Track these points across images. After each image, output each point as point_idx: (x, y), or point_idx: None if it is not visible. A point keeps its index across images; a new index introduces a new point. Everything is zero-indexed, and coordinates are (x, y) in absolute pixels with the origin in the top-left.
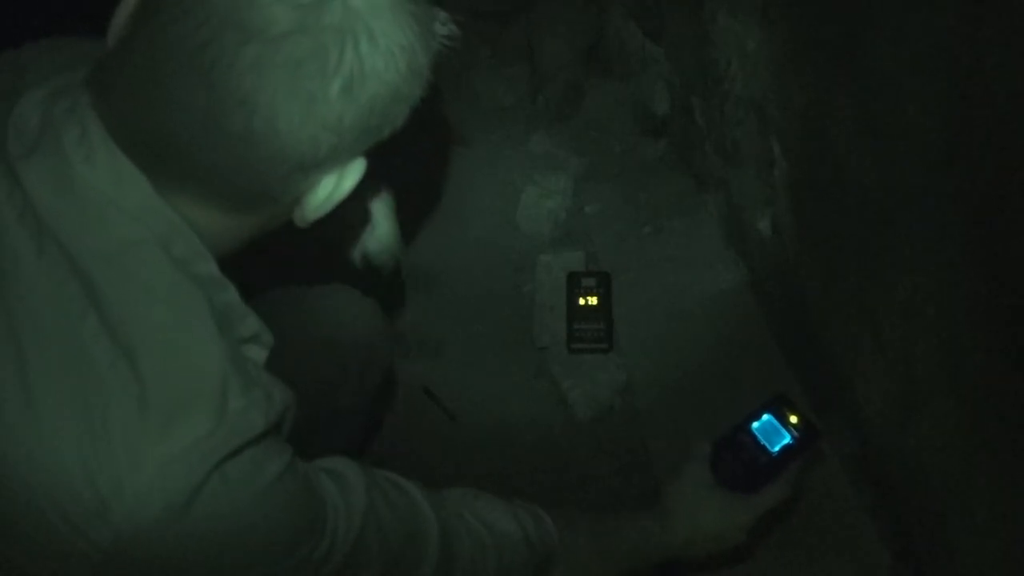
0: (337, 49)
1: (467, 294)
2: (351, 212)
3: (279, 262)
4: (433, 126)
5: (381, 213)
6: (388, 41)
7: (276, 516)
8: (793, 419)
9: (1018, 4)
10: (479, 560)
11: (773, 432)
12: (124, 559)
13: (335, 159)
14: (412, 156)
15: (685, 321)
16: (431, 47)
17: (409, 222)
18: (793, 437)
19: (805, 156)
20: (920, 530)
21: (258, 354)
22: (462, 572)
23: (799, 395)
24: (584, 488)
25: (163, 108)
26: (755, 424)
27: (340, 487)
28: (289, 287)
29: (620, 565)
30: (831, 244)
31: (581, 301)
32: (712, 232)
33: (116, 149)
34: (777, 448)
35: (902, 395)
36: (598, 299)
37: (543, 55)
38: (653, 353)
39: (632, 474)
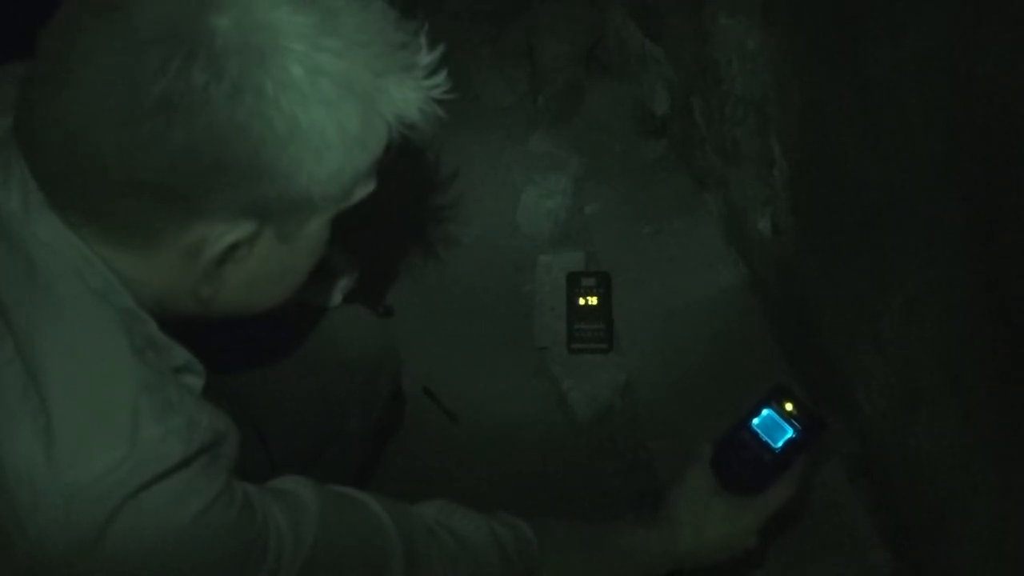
0: (164, 54)
1: (467, 294)
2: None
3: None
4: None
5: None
6: (242, 78)
7: (203, 546)
8: (795, 412)
9: (1018, 4)
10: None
11: (774, 427)
12: None
13: (193, 200)
14: (411, 156)
15: (685, 321)
16: (352, 122)
17: (408, 222)
18: (796, 430)
19: (805, 156)
20: (920, 530)
21: (194, 383)
22: None
23: (798, 394)
24: (584, 488)
25: (33, 109)
26: (755, 420)
27: (290, 509)
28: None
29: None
30: (831, 244)
31: (581, 301)
32: (712, 232)
33: (29, 177)
34: (780, 444)
35: (902, 395)
36: (598, 299)
37: (543, 55)
38: (653, 353)
39: (632, 474)
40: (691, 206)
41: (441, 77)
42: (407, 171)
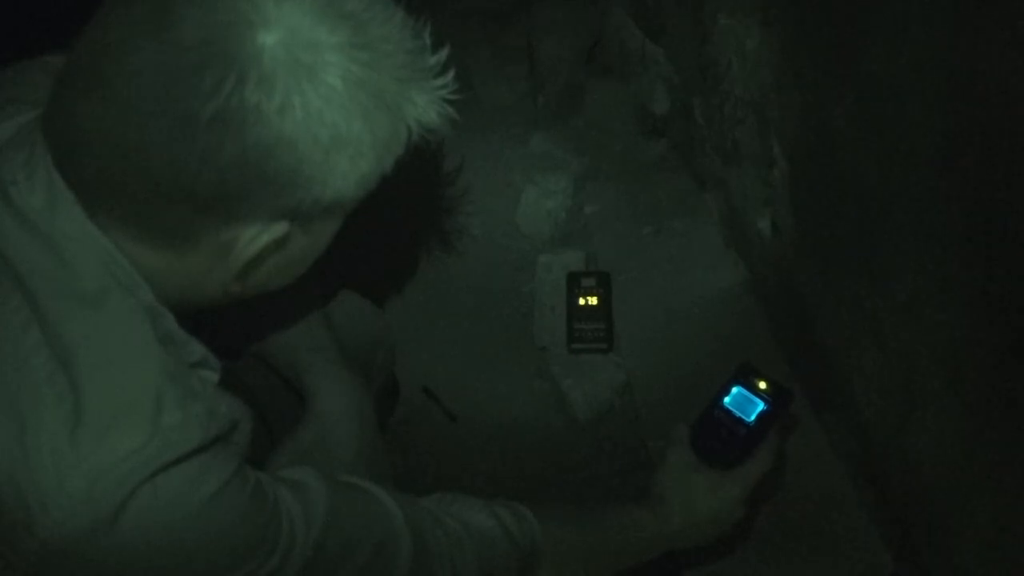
0: (216, 75)
1: (467, 294)
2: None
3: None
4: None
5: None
6: (290, 94)
7: (215, 531)
8: (763, 385)
9: (1018, 4)
10: (458, 558)
11: (746, 402)
12: (52, 569)
13: (236, 207)
14: (411, 156)
15: (685, 321)
16: (383, 129)
17: (408, 223)
18: (767, 403)
19: (805, 156)
20: (920, 530)
21: (210, 378)
22: (441, 572)
23: (799, 394)
24: (584, 488)
25: (70, 113)
26: (727, 399)
27: (299, 499)
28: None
29: (616, 557)
30: (831, 244)
31: (581, 301)
32: (712, 232)
33: (54, 173)
34: (753, 417)
35: (902, 395)
36: (598, 299)
37: (543, 55)
38: (653, 353)
39: (632, 474)
40: (691, 206)
41: (449, 76)
42: (407, 171)
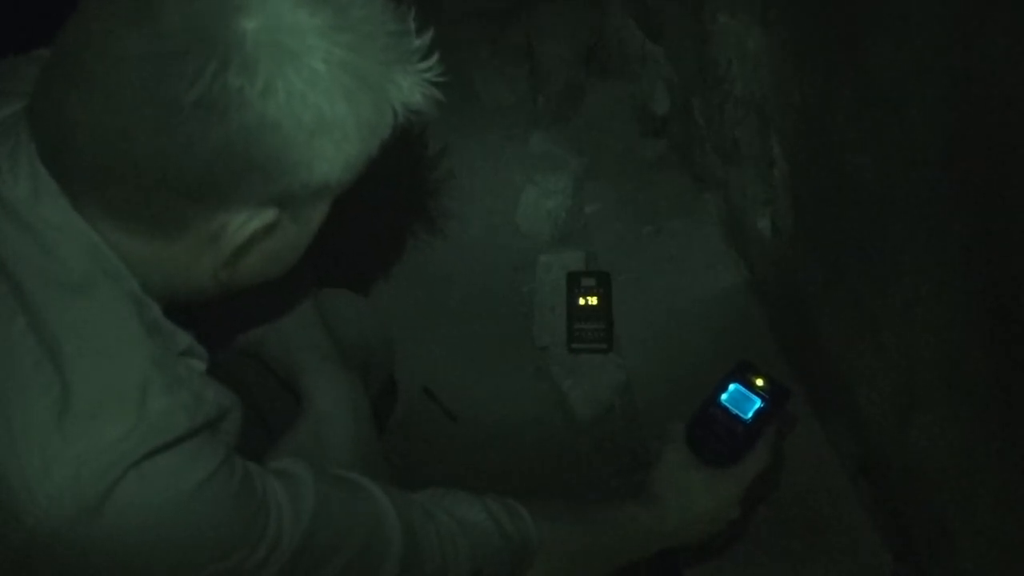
0: (199, 60)
1: (467, 294)
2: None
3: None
4: (432, 126)
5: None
6: (273, 78)
7: (202, 521)
8: (760, 383)
9: (1018, 4)
10: (450, 554)
11: (743, 400)
12: (38, 557)
13: (224, 193)
14: (411, 156)
15: (685, 321)
16: (367, 111)
17: (409, 222)
18: (764, 400)
19: (805, 156)
20: (920, 530)
21: (197, 366)
22: (432, 568)
23: (799, 394)
24: (584, 488)
25: (54, 103)
26: (723, 396)
27: (289, 490)
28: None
29: (612, 554)
30: (831, 244)
31: (581, 301)
32: (712, 232)
33: (37, 163)
34: (750, 415)
35: (902, 395)
36: (598, 299)
37: (543, 55)
38: (653, 353)
39: (632, 474)
40: (691, 206)
41: (434, 59)
42: (407, 171)
